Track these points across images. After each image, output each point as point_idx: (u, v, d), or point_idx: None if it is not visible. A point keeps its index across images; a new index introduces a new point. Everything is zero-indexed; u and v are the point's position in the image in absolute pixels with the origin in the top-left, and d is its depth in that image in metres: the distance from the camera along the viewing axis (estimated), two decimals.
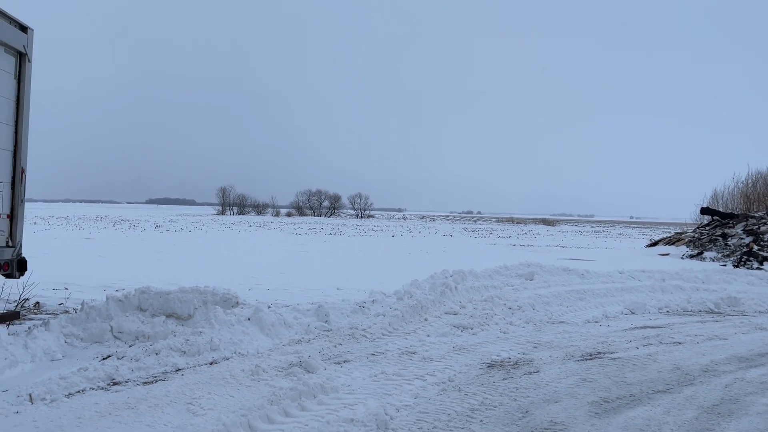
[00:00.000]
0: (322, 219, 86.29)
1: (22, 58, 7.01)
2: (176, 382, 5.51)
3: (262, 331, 7.34)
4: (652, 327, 8.95)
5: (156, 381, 5.56)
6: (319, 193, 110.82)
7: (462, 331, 8.22)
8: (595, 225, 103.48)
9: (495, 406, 5.08)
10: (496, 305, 9.55)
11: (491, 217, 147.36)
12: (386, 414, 4.69)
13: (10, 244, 7.02)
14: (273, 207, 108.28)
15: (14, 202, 7.04)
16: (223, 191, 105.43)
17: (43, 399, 4.88)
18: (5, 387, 5.19)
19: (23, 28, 7.03)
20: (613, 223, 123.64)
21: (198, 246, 24.73)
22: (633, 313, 10.29)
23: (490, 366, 6.42)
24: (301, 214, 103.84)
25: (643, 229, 75.91)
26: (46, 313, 8.77)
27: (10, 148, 6.95)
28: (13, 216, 7.04)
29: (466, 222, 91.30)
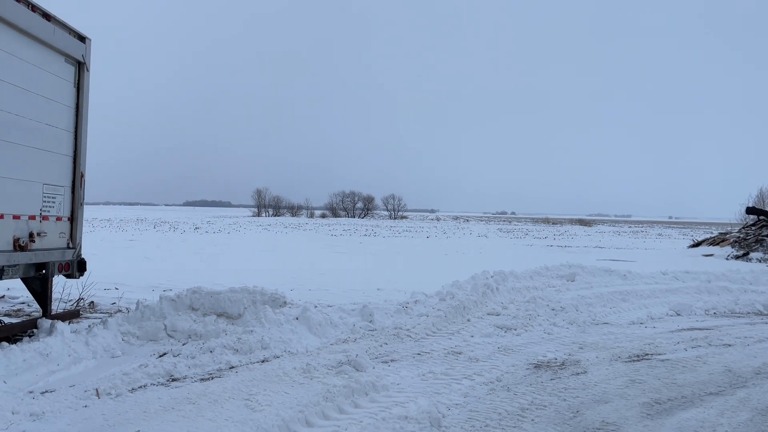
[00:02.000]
0: (356, 220, 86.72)
1: (80, 67, 7.32)
2: (232, 379, 5.69)
3: (310, 331, 7.50)
4: (699, 329, 8.83)
5: (212, 378, 5.76)
6: (352, 194, 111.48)
7: (506, 331, 8.25)
8: (632, 225, 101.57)
9: (545, 406, 5.12)
10: (538, 306, 9.54)
11: (526, 218, 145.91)
12: (438, 412, 4.77)
13: (71, 245, 7.34)
14: (307, 209, 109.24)
15: (74, 205, 7.35)
16: (258, 193, 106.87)
17: (109, 393, 5.11)
18: (72, 382, 5.44)
19: (81, 38, 7.34)
20: (652, 223, 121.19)
21: (237, 247, 25.19)
22: (679, 314, 10.16)
23: (537, 366, 6.45)
24: (335, 215, 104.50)
25: (683, 230, 74.26)
26: (101, 312, 9.10)
27: (71, 153, 7.27)
28: (74, 219, 7.35)
29: (501, 222, 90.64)
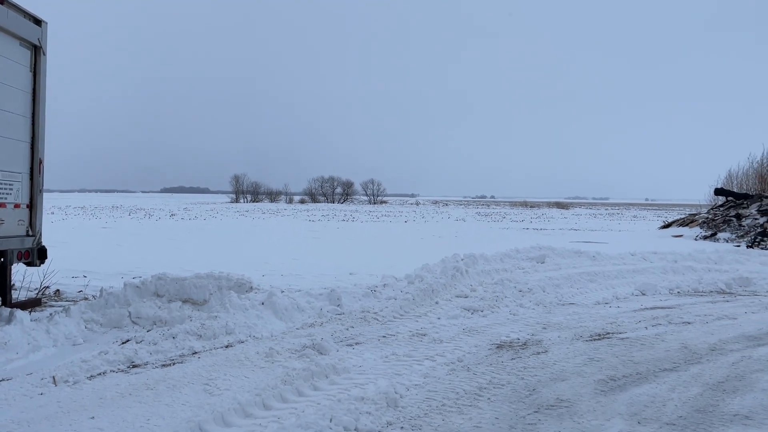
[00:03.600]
0: (335, 205, 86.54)
1: (37, 51, 7.16)
2: (193, 364, 5.69)
3: (275, 315, 7.50)
4: (662, 308, 9.01)
5: (174, 363, 5.75)
6: (331, 179, 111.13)
7: (472, 313, 8.33)
8: (609, 207, 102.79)
9: (503, 385, 5.20)
10: (506, 288, 9.64)
11: (505, 202, 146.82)
12: (396, 393, 4.82)
13: (30, 233, 7.23)
14: (286, 194, 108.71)
15: (33, 192, 7.23)
16: (236, 179, 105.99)
17: (66, 381, 5.08)
18: (30, 370, 5.39)
19: (37, 21, 7.17)
20: (628, 206, 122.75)
21: (212, 233, 25.01)
22: (644, 294, 10.34)
23: (499, 347, 6.54)
24: (314, 200, 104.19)
25: (659, 211, 75.32)
26: (66, 300, 9.00)
27: (28, 139, 7.13)
28: (33, 206, 7.23)
29: (480, 207, 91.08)
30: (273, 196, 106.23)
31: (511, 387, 5.16)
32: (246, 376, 5.24)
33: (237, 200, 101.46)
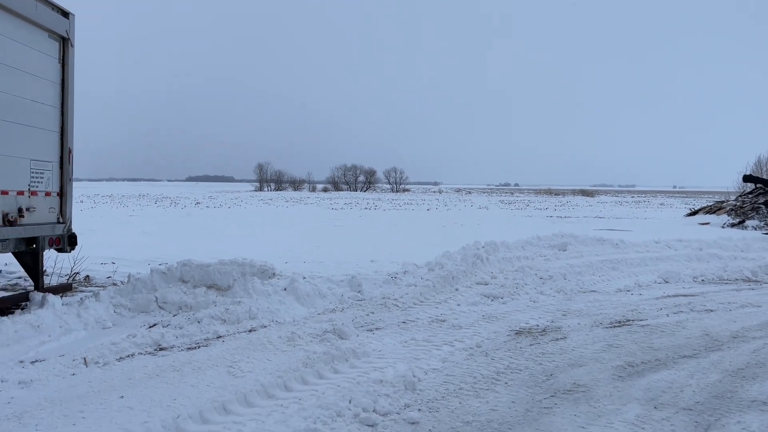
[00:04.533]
0: (358, 194, 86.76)
1: (65, 42, 7.35)
2: (217, 347, 5.85)
3: (297, 301, 7.65)
4: (684, 295, 8.95)
5: (199, 347, 5.92)
6: (354, 168, 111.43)
7: (492, 300, 8.38)
8: (636, 195, 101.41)
9: (520, 370, 5.26)
10: (527, 275, 9.66)
11: (529, 189, 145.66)
12: (414, 376, 4.91)
13: (61, 220, 7.45)
14: (309, 182, 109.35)
15: (63, 180, 7.45)
16: (260, 168, 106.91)
17: (97, 362, 5.27)
18: (62, 352, 5.60)
19: (65, 14, 7.35)
20: (655, 193, 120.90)
21: (237, 221, 25.34)
22: (667, 282, 10.27)
23: (518, 333, 6.59)
24: (337, 189, 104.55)
25: (686, 199, 74.13)
26: (96, 286, 9.26)
27: (58, 129, 7.34)
28: (63, 194, 7.46)
29: (503, 195, 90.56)
30: (296, 184, 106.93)
31: (528, 372, 5.21)
32: (268, 359, 5.38)
33: (261, 189, 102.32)
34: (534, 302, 8.33)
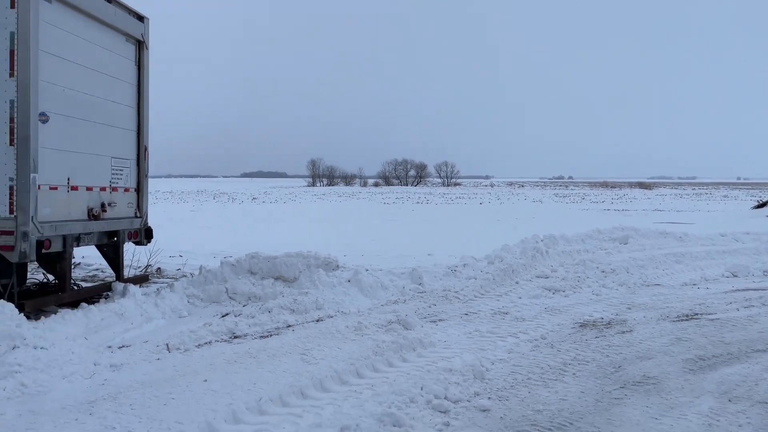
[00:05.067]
0: (409, 188, 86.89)
1: (140, 45, 7.73)
2: (289, 336, 6.09)
3: (361, 292, 7.84)
4: (754, 289, 8.70)
5: (271, 335, 6.17)
6: (405, 162, 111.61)
7: (554, 293, 8.36)
8: (697, 187, 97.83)
9: (588, 362, 5.28)
10: (588, 268, 9.58)
11: (584, 182, 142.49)
12: (482, 366, 5.01)
13: (138, 214, 7.87)
14: (360, 177, 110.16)
15: (140, 177, 7.87)
16: (313, 164, 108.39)
17: (178, 348, 5.58)
18: (145, 339, 5.95)
19: (140, 18, 7.73)
20: (717, 185, 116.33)
21: (292, 216, 25.89)
22: (735, 275, 9.97)
23: (583, 325, 6.58)
24: (388, 183, 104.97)
25: (752, 191, 71.09)
26: (168, 277, 9.71)
27: (134, 128, 7.75)
28: (140, 189, 7.87)
29: (557, 188, 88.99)
30: (348, 179, 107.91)
31: (596, 363, 5.23)
32: (338, 347, 5.57)
33: (313, 184, 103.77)
34: (597, 295, 8.27)
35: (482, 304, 7.71)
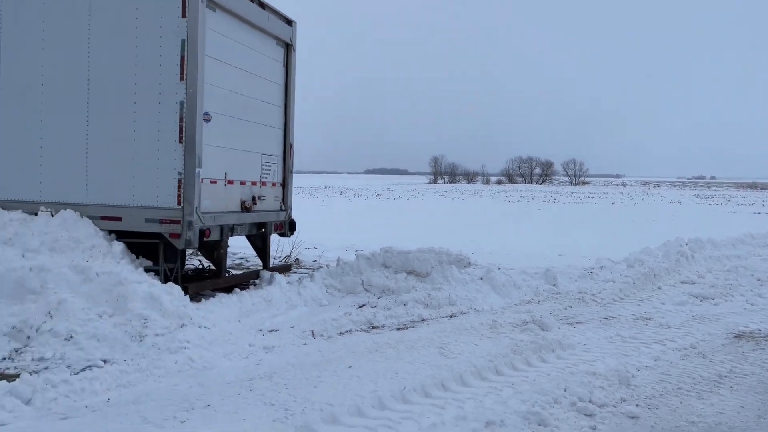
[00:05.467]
0: (533, 186, 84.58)
1: (288, 48, 8.21)
2: (424, 329, 6.23)
3: (494, 290, 7.81)
4: None
5: (407, 328, 6.35)
6: (529, 159, 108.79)
7: (701, 300, 7.84)
8: None
9: (746, 375, 4.92)
10: (741, 276, 8.87)
11: (728, 183, 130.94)
12: (627, 372, 4.83)
13: (283, 208, 8.39)
14: (483, 175, 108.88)
15: (285, 172, 8.38)
16: (435, 161, 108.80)
17: (322, 335, 5.90)
18: (291, 324, 6.34)
19: (288, 22, 8.21)
20: None
21: (416, 212, 26.21)
22: None
23: (737, 336, 6.13)
24: (512, 181, 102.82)
25: None
26: (305, 268, 10.23)
27: (281, 126, 8.25)
28: (285, 184, 8.38)
29: (698, 188, 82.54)
30: (470, 177, 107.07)
31: (755, 378, 4.86)
32: (475, 343, 5.61)
33: (435, 181, 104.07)
34: (752, 305, 7.64)
35: (622, 308, 7.40)
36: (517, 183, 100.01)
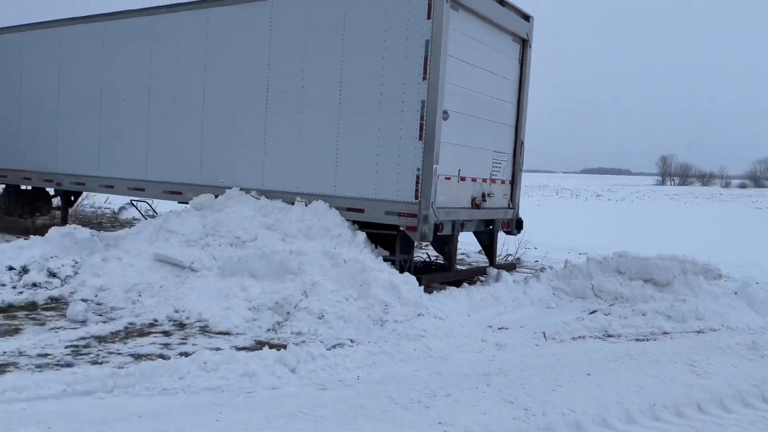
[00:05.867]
0: None
1: (524, 44, 8.11)
2: (668, 343, 5.72)
3: (750, 307, 6.90)
4: None
5: (647, 339, 5.89)
6: None
7: None
8: None
9: None
10: None
11: None
12: None
13: (511, 206, 8.33)
14: (722, 177, 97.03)
15: (515, 170, 8.31)
16: (663, 160, 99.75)
17: (554, 338, 5.73)
18: (520, 324, 6.26)
19: (526, 17, 8.11)
20: None
21: (642, 215, 24.24)
22: None
23: None
24: (758, 185, 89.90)
25: None
26: (527, 268, 10.05)
27: (513, 123, 8.19)
28: (514, 182, 8.32)
29: None
30: (705, 179, 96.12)
31: None
32: (733, 365, 5.01)
33: (663, 183, 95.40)
34: None
35: None
36: (765, 187, 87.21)
